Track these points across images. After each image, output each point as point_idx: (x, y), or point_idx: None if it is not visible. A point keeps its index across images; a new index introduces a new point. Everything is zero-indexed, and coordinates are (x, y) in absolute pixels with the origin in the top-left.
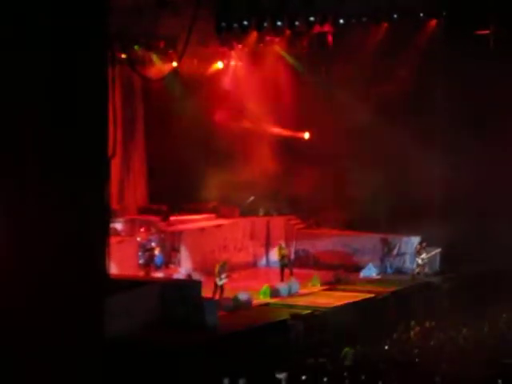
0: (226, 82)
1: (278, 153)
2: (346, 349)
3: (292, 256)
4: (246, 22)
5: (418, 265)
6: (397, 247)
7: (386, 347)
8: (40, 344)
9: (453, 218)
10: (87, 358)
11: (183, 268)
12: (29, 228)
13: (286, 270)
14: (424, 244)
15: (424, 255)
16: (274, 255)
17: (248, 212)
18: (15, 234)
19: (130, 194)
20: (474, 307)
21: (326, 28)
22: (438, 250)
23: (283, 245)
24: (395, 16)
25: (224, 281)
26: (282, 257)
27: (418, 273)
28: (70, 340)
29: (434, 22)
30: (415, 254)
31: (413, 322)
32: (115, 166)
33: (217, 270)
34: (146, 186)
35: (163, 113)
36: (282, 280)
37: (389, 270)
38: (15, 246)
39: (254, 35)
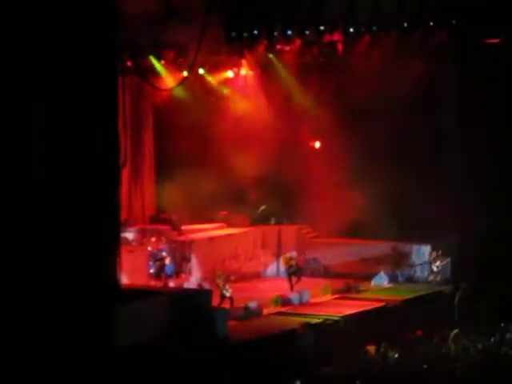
0: (237, 91)
1: (290, 160)
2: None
3: (303, 265)
4: (255, 31)
5: (433, 272)
6: (408, 255)
7: (397, 355)
8: (51, 352)
9: (464, 227)
10: (98, 366)
11: (194, 277)
12: (39, 238)
13: (294, 278)
14: (439, 252)
15: (438, 263)
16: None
17: (259, 221)
18: (26, 243)
19: (138, 203)
20: (487, 317)
21: (336, 37)
22: (448, 259)
23: (289, 255)
24: (405, 25)
25: (230, 291)
26: (289, 266)
27: (431, 281)
28: (81, 349)
29: (443, 31)
30: (431, 261)
31: (425, 332)
32: (124, 175)
33: (220, 282)
34: (154, 195)
35: (173, 122)
36: (291, 289)
37: (400, 279)
38: (26, 257)
39: (263, 44)
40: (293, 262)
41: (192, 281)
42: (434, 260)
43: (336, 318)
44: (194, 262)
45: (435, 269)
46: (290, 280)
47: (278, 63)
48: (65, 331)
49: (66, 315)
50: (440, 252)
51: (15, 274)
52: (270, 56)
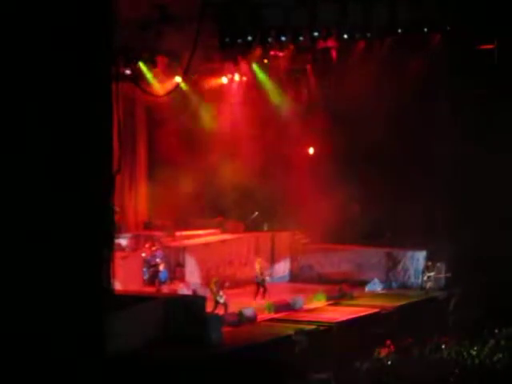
0: (230, 97)
1: (284, 168)
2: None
3: (297, 271)
4: (250, 37)
5: (425, 281)
6: (402, 262)
7: (390, 362)
8: (41, 358)
9: (457, 233)
10: (90, 373)
11: (188, 283)
12: (32, 243)
13: (261, 289)
14: (439, 264)
15: (433, 273)
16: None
17: (253, 227)
18: (18, 249)
19: (131, 210)
20: (479, 323)
21: (330, 43)
22: (448, 275)
23: (260, 260)
24: (399, 31)
25: (224, 297)
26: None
27: (425, 287)
28: (73, 355)
29: (437, 37)
30: (424, 270)
31: (419, 338)
32: (117, 181)
33: (213, 288)
34: (148, 202)
35: (166, 128)
36: (257, 298)
37: (394, 285)
38: (17, 262)
39: (258, 50)
40: (261, 268)
41: (186, 287)
42: (428, 270)
43: (330, 325)
44: (188, 268)
45: (426, 278)
46: (258, 288)
47: (270, 69)
48: (56, 337)
49: (57, 321)
50: (439, 265)
51: (5, 279)
52: (264, 62)
